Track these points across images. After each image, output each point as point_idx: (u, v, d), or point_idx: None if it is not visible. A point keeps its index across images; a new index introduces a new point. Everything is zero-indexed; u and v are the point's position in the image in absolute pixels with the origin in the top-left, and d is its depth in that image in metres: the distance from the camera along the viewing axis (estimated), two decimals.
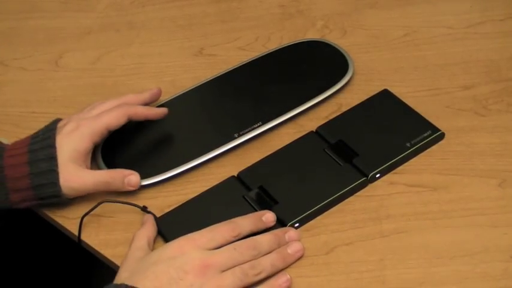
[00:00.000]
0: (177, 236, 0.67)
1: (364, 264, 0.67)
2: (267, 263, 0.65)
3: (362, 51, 0.87)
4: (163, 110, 0.79)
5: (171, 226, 0.71)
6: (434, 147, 0.76)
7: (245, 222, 0.68)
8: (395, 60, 0.86)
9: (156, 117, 0.79)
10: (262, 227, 0.69)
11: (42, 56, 0.93)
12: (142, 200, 0.74)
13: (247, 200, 0.72)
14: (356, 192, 0.73)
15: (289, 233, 0.68)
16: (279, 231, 0.68)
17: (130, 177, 0.73)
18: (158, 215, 0.72)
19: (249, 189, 0.73)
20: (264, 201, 0.72)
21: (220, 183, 0.74)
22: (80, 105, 0.84)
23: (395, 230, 0.69)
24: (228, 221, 0.68)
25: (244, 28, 0.93)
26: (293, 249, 0.67)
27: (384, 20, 0.92)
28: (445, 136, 0.77)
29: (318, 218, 0.71)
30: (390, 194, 0.72)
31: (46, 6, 1.01)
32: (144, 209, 0.73)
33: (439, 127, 0.76)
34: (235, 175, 0.75)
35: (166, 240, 0.70)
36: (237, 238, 0.67)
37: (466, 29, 0.89)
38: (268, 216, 0.69)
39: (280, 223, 0.70)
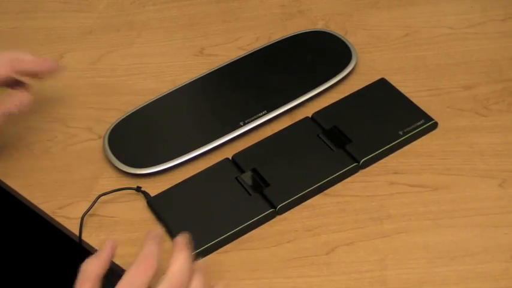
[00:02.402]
0: (169, 216, 0.70)
1: (365, 264, 0.67)
2: None
3: (363, 51, 0.87)
4: (54, 63, 0.73)
5: (164, 205, 0.73)
6: (434, 147, 0.76)
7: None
8: (396, 60, 0.86)
9: (48, 71, 0.72)
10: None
11: (43, 56, 0.93)
12: (148, 188, 0.75)
13: (240, 182, 0.73)
14: (347, 177, 0.74)
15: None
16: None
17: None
18: None
19: (242, 171, 0.74)
20: (256, 184, 0.73)
21: (214, 164, 0.76)
22: (80, 105, 0.84)
23: (396, 230, 0.69)
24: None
25: (244, 28, 0.93)
26: None
27: (384, 20, 0.92)
28: (445, 136, 0.77)
29: (318, 217, 0.71)
30: (391, 194, 0.72)
31: (46, 6, 1.01)
32: (138, 189, 0.74)
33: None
34: (230, 157, 0.76)
35: (160, 219, 0.72)
36: None
37: (466, 29, 0.89)
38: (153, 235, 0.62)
39: (271, 205, 0.71)
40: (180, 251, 0.60)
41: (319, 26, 0.92)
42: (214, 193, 0.73)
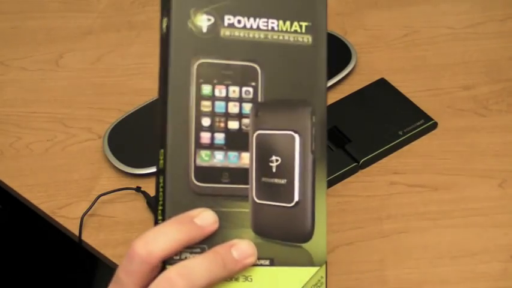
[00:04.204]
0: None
1: (365, 265, 0.67)
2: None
3: (363, 51, 0.87)
4: None
5: None
6: (434, 147, 0.76)
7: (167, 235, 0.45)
8: (396, 60, 0.86)
9: None
10: (197, 236, 0.46)
11: (43, 56, 0.93)
12: (148, 188, 0.75)
13: None
14: (347, 177, 0.74)
15: (239, 247, 0.47)
16: (221, 248, 0.46)
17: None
18: None
19: None
20: None
21: None
22: (80, 105, 0.84)
23: (396, 230, 0.69)
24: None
25: None
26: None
27: (384, 20, 0.92)
28: (445, 136, 0.77)
29: None
30: (391, 194, 0.72)
31: (46, 6, 1.01)
32: (138, 189, 0.74)
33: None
34: None
35: None
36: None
37: (466, 29, 0.89)
38: (206, 217, 0.46)
39: None
40: (213, 251, 0.46)
41: None
42: None
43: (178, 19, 0.46)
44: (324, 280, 0.49)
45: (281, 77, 0.48)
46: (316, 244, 0.49)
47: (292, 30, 0.49)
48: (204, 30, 0.46)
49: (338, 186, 0.74)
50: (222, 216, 0.47)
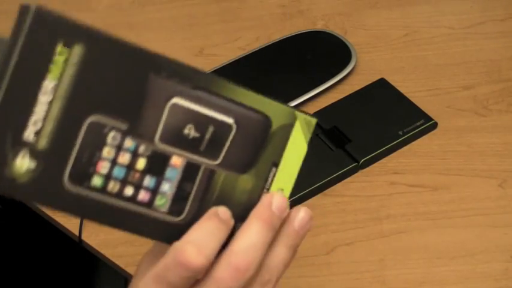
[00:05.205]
0: None
1: (365, 265, 0.67)
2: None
3: (363, 51, 0.87)
4: None
5: None
6: (434, 147, 0.76)
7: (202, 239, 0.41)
8: (396, 60, 0.86)
9: None
10: (228, 229, 0.42)
11: None
12: None
13: None
14: (347, 177, 0.74)
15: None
16: (263, 211, 0.43)
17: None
18: None
19: None
20: None
21: None
22: None
23: (396, 230, 0.69)
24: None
25: (244, 28, 0.93)
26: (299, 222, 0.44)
27: (384, 20, 0.92)
28: (445, 136, 0.77)
29: (318, 217, 0.71)
30: (391, 194, 0.72)
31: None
32: None
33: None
34: None
35: None
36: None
37: (466, 29, 0.89)
38: (224, 209, 0.43)
39: None
40: (257, 219, 0.42)
41: (319, 26, 0.92)
42: None
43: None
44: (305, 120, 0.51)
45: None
46: (271, 112, 0.51)
47: None
48: (24, 169, 0.41)
49: (338, 186, 0.74)
50: (224, 201, 0.44)
